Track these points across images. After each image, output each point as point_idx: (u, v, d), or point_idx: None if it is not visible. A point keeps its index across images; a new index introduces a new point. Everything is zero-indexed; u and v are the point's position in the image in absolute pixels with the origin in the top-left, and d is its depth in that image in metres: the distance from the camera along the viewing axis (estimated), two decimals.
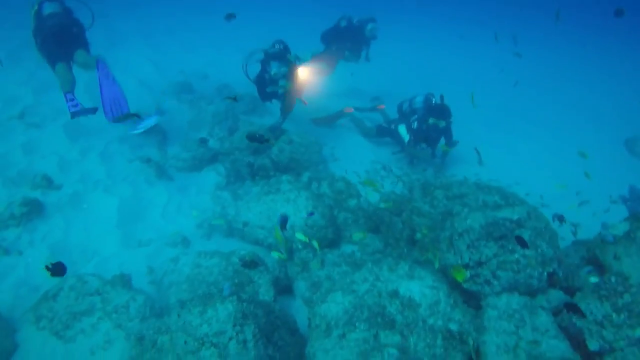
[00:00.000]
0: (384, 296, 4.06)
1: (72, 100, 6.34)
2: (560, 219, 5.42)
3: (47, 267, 3.52)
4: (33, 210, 5.41)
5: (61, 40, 6.43)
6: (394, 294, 4.05)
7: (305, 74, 8.13)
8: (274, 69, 7.18)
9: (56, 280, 4.30)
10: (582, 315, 3.97)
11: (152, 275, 4.86)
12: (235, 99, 5.49)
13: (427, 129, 7.65)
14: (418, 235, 5.38)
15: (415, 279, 4.21)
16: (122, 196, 6.08)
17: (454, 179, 6.70)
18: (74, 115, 6.31)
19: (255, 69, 7.59)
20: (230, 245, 5.50)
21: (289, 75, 7.33)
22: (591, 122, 11.14)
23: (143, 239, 5.47)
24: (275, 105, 8.16)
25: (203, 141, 7.17)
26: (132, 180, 6.44)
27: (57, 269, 3.56)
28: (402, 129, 8.13)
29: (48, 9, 6.52)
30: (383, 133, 8.65)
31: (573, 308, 3.98)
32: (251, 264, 4.42)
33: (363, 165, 7.80)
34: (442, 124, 7.56)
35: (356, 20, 9.86)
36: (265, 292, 4.42)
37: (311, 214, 5.36)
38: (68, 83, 6.43)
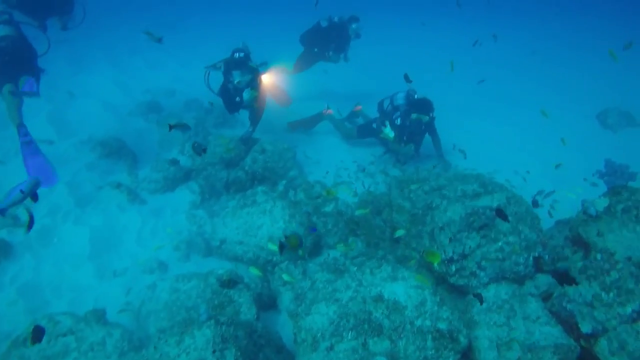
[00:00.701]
0: (369, 301, 3.94)
1: (26, 135, 5.98)
2: (535, 203, 5.37)
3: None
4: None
5: (8, 63, 6.16)
6: (379, 298, 3.92)
7: (270, 80, 7.96)
8: (237, 77, 7.02)
9: (26, 324, 4.12)
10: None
11: (129, 306, 4.67)
12: (183, 126, 5.02)
13: (411, 124, 7.46)
14: (398, 233, 5.26)
15: (399, 280, 4.09)
16: (94, 225, 5.87)
17: (432, 172, 6.59)
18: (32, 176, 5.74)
19: (218, 80, 7.42)
20: (210, 264, 5.34)
21: (253, 83, 7.18)
22: (561, 98, 11.14)
23: (118, 269, 5.27)
24: (245, 115, 8.02)
25: (174, 162, 6.97)
26: (103, 208, 6.23)
27: (37, 334, 3.38)
28: (387, 131, 7.69)
29: (0, 31, 6.25)
30: (365, 133, 8.38)
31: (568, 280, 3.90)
32: (229, 282, 4.26)
33: (339, 168, 7.67)
34: (426, 118, 7.34)
35: (337, 19, 9.52)
36: (247, 311, 4.26)
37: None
38: (15, 108, 6.05)
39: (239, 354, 3.35)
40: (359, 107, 9.17)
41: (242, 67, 7.04)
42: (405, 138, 7.52)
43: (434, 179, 5.83)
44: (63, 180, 6.62)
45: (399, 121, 7.59)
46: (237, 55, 7.09)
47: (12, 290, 4.80)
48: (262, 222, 5.38)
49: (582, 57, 14.83)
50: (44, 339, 3.88)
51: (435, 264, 4.43)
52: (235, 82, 7.06)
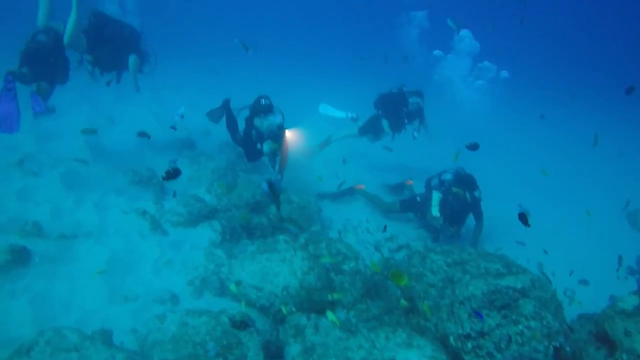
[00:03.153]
0: None
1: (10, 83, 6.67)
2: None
3: None
4: (18, 258, 5.20)
5: (33, 62, 6.95)
6: None
7: (292, 136, 7.98)
8: (259, 123, 7.16)
9: (32, 333, 4.07)
10: None
11: (136, 333, 4.59)
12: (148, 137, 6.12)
13: (452, 199, 7.37)
14: (403, 302, 5.18)
15: (414, 347, 3.97)
16: (113, 248, 5.88)
17: (455, 245, 6.52)
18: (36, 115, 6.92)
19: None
20: (222, 304, 5.26)
21: (280, 131, 7.33)
22: (592, 194, 11.07)
23: (130, 294, 5.23)
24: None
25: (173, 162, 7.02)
26: (125, 233, 6.26)
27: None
28: (436, 197, 7.62)
29: (38, 35, 7.09)
30: (408, 207, 8.23)
31: None
32: (241, 324, 4.19)
33: (366, 231, 7.67)
34: (464, 193, 7.25)
35: (406, 90, 9.56)
36: (254, 356, 4.14)
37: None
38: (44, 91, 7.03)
39: None
40: (410, 182, 9.11)
41: (267, 114, 7.21)
42: (445, 213, 7.41)
43: (457, 252, 5.76)
44: (91, 200, 6.74)
45: (441, 195, 7.53)
46: (263, 101, 7.23)
47: (23, 298, 4.77)
48: (280, 270, 5.33)
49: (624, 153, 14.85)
50: (47, 350, 3.82)
51: (402, 284, 4.34)
52: (264, 127, 7.17)
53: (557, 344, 4.42)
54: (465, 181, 7.40)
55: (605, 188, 11.53)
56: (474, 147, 6.25)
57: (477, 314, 4.30)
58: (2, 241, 5.39)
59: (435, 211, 7.43)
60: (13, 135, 8.24)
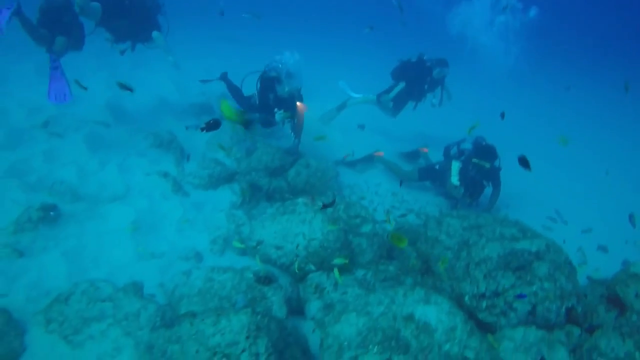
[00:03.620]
0: (399, 320, 3.98)
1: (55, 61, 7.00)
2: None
3: None
4: (49, 216, 5.43)
5: (47, 22, 6.97)
6: (409, 317, 3.97)
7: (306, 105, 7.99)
8: (287, 87, 7.27)
9: (67, 285, 4.29)
10: None
11: (163, 287, 4.81)
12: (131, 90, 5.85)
13: (472, 169, 7.40)
14: (413, 262, 5.33)
15: (432, 304, 4.12)
16: (138, 208, 6.08)
17: (471, 210, 6.63)
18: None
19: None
20: (243, 263, 5.46)
21: (295, 99, 7.43)
22: (616, 166, 11.01)
23: (156, 251, 5.44)
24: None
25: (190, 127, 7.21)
26: (148, 194, 6.45)
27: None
28: (455, 166, 7.59)
29: None
30: (426, 175, 8.22)
31: None
32: (265, 279, 4.37)
33: (379, 195, 7.78)
34: (487, 165, 7.25)
35: (427, 59, 9.43)
36: (278, 309, 4.35)
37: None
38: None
39: (269, 344, 3.44)
40: (426, 150, 9.09)
41: (287, 79, 7.33)
42: (465, 183, 7.42)
43: (473, 217, 5.87)
44: (114, 162, 6.92)
45: (461, 164, 7.53)
46: (280, 65, 7.34)
47: (56, 253, 4.99)
48: (300, 230, 5.49)
49: None
50: (84, 300, 4.05)
51: (402, 246, 4.49)
52: (286, 90, 7.28)
53: (570, 305, 4.57)
54: (486, 151, 7.39)
55: (626, 161, 11.46)
56: (501, 115, 6.28)
57: (521, 295, 4.44)
58: (33, 199, 5.62)
59: (455, 180, 7.44)
60: (36, 98, 8.47)
